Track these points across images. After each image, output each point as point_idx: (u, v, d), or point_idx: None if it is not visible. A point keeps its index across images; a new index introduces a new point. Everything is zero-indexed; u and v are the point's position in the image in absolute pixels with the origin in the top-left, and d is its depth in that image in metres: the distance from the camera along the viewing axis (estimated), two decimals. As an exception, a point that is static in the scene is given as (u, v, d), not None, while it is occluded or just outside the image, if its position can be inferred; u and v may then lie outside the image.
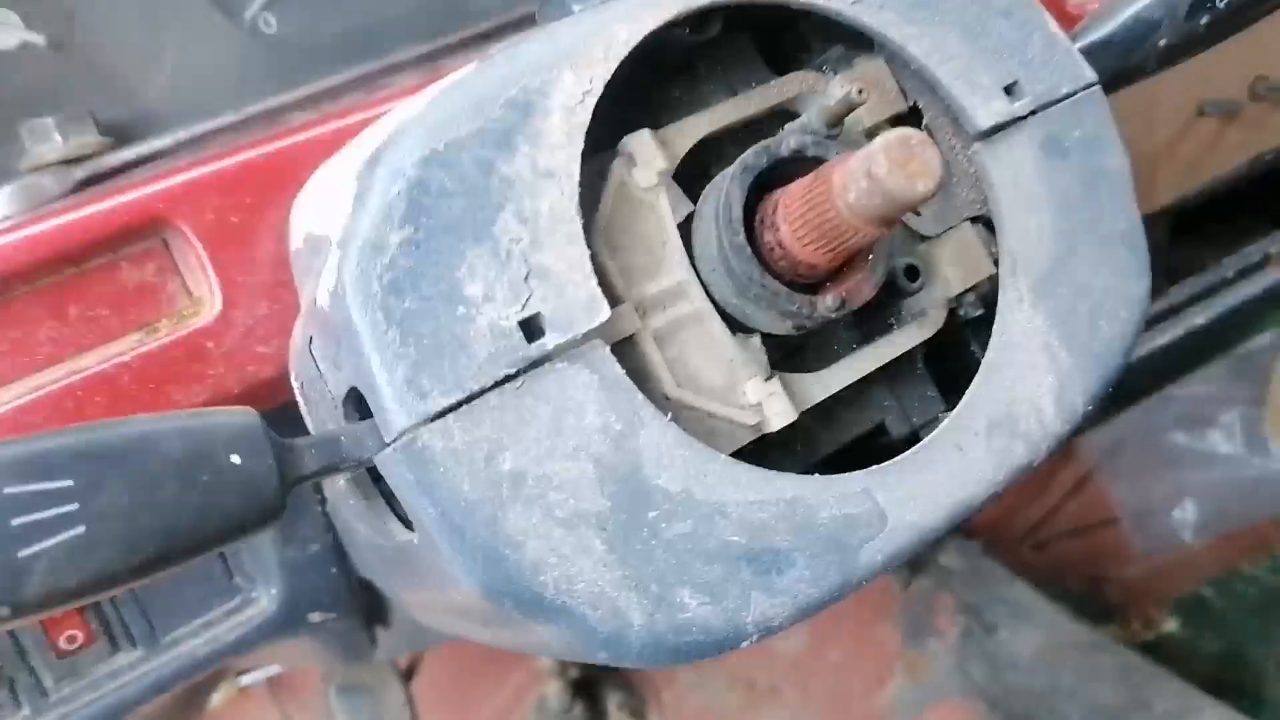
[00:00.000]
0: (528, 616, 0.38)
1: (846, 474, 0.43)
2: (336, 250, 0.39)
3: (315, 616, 0.68)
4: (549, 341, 0.39)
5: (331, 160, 0.48)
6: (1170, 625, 2.10)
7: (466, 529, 0.37)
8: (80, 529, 0.32)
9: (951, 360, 0.50)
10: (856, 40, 0.48)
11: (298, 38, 0.69)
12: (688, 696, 2.03)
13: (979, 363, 0.50)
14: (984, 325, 0.48)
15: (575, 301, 0.39)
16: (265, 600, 0.66)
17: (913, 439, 0.49)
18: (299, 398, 0.46)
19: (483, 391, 0.38)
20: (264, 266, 0.54)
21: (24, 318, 0.52)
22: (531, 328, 0.39)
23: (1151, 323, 1.00)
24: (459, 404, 0.37)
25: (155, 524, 0.33)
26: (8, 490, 0.31)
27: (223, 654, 0.66)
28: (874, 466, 0.43)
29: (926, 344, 0.49)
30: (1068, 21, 0.53)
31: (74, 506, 0.32)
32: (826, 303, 0.42)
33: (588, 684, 1.88)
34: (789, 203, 0.41)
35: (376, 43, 0.69)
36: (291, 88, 0.65)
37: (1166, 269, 1.01)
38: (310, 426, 0.46)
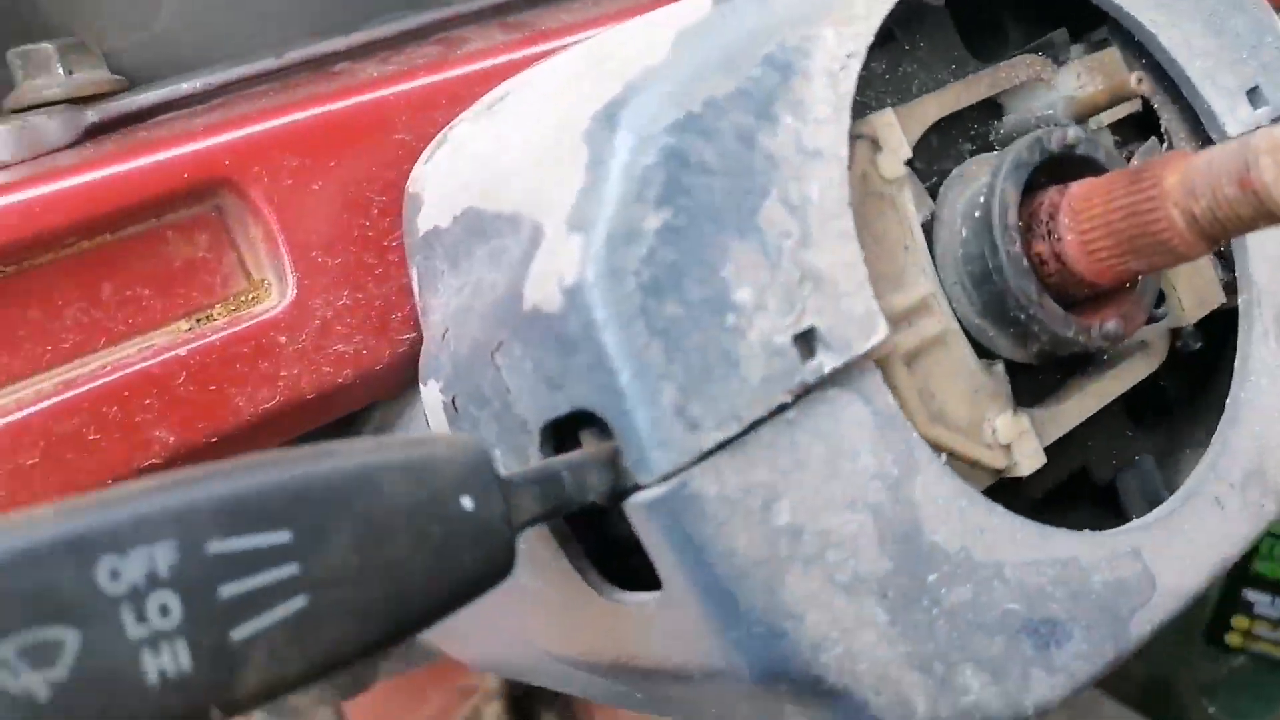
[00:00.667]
0: (801, 704, 0.30)
1: (1114, 530, 0.36)
2: (570, 235, 0.30)
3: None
4: (825, 363, 0.31)
5: (487, 110, 0.38)
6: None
7: (741, 596, 0.29)
8: (303, 599, 0.23)
9: (1149, 398, 0.45)
10: (1082, 24, 0.42)
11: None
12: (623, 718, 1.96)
13: (1173, 400, 0.45)
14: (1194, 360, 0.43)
15: (852, 315, 0.32)
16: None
17: (1112, 485, 0.43)
18: (439, 413, 0.37)
19: (758, 424, 0.30)
20: (343, 247, 0.44)
21: (45, 295, 0.41)
22: (807, 343, 0.31)
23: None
24: (734, 439, 0.29)
25: (389, 590, 0.24)
26: (214, 548, 0.22)
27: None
28: (1136, 522, 0.37)
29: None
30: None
31: (295, 569, 0.23)
32: (1108, 328, 0.36)
33: (521, 702, 1.80)
34: (1083, 206, 0.34)
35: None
36: (345, 31, 0.54)
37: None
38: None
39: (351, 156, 0.44)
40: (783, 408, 0.30)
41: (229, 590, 0.22)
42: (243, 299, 0.44)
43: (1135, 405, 0.45)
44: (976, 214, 0.36)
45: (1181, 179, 0.31)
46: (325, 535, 0.24)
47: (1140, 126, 0.44)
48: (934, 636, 0.32)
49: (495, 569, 0.27)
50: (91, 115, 0.47)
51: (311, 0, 0.57)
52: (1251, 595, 1.47)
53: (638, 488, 0.29)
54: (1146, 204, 0.32)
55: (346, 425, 0.51)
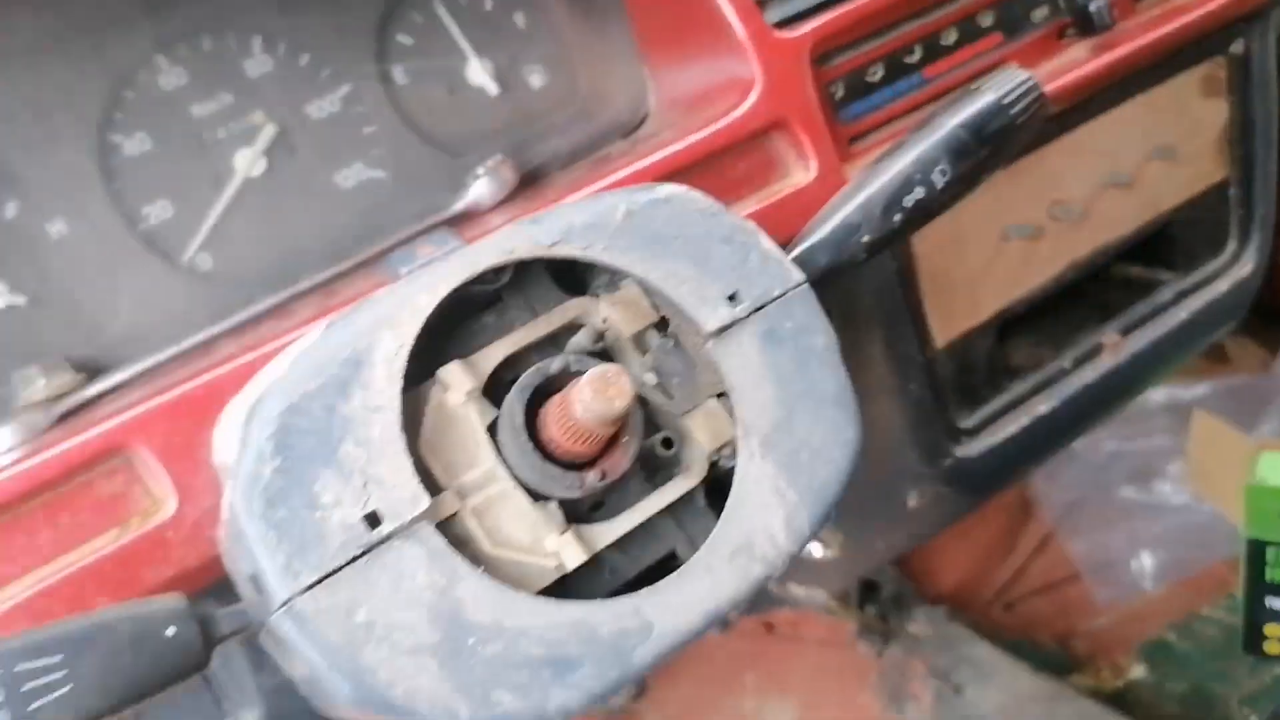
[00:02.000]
0: (388, 718, 0.54)
1: (620, 597, 0.58)
2: (230, 481, 0.55)
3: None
4: (386, 529, 0.55)
5: (235, 398, 0.65)
6: (1137, 671, 2.21)
7: (334, 662, 0.53)
8: (68, 687, 0.48)
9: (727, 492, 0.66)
10: (616, 271, 0.66)
11: (230, 273, 0.86)
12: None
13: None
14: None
15: (402, 498, 0.56)
16: (249, 720, 0.82)
17: (697, 560, 0.65)
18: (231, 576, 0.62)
19: (339, 569, 0.54)
20: (207, 470, 0.71)
21: (28, 528, 0.68)
22: (372, 519, 0.55)
23: (997, 416, 1.15)
24: (322, 579, 0.54)
25: (118, 680, 0.50)
26: (21, 667, 0.48)
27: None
28: (643, 590, 0.59)
29: (705, 486, 0.65)
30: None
31: (64, 673, 0.49)
32: (592, 477, 0.59)
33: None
34: (552, 411, 0.57)
35: (294, 269, 0.87)
36: (226, 317, 0.82)
37: (1005, 369, 1.17)
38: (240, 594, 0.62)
39: (204, 415, 0.70)
40: (355, 558, 0.54)
41: (28, 685, 0.48)
42: (148, 512, 0.71)
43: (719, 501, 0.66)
44: (506, 420, 0.60)
45: (573, 396, 0.55)
46: (81, 655, 0.49)
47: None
48: (474, 674, 0.55)
49: (194, 666, 0.52)
50: (60, 408, 0.76)
51: (208, 297, 0.85)
52: (1274, 603, 1.51)
53: (274, 611, 0.54)
54: (566, 410, 0.56)
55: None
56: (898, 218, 0.69)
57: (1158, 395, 2.36)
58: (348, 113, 0.90)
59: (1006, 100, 0.70)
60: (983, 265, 1.09)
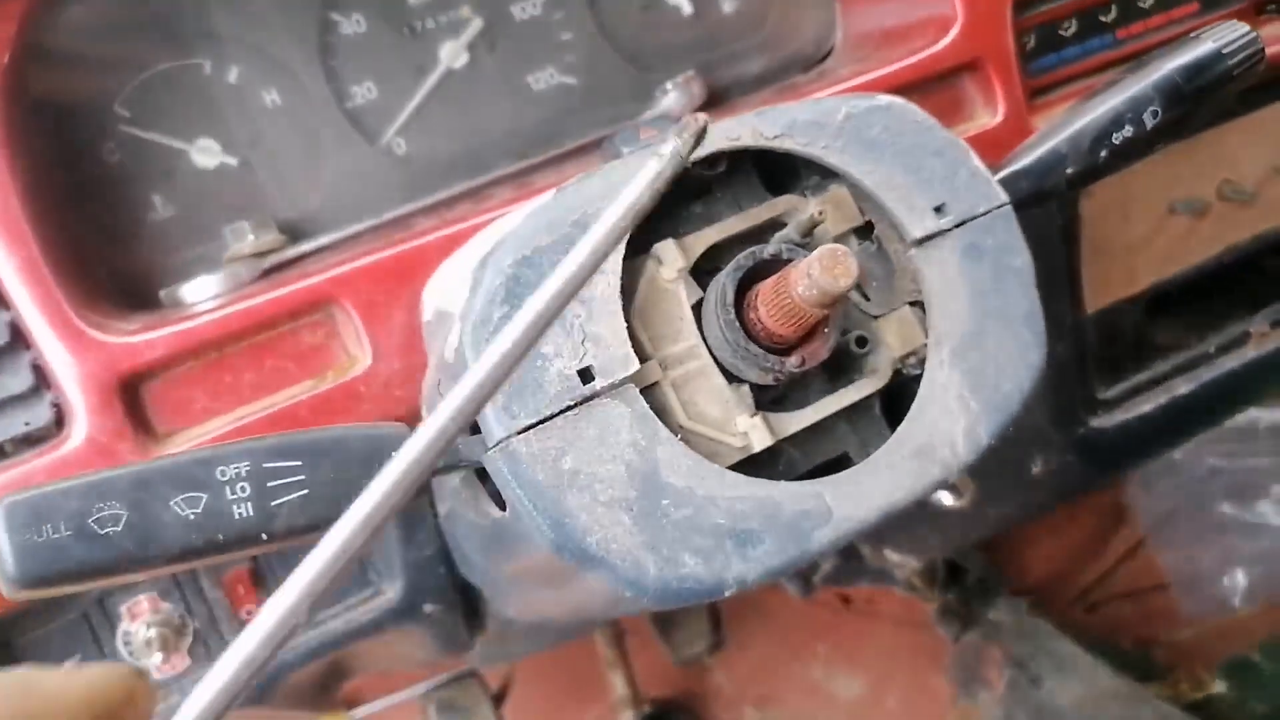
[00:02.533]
0: (580, 566, 0.57)
1: (805, 481, 0.61)
2: (459, 322, 0.58)
3: (428, 608, 0.88)
4: (598, 384, 0.58)
5: (452, 256, 0.68)
6: (1218, 687, 2.18)
7: (540, 505, 0.56)
8: (304, 492, 0.52)
9: (903, 405, 0.68)
10: (827, 171, 0.67)
11: (422, 157, 0.90)
12: (751, 732, 2.16)
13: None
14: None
15: (615, 358, 0.58)
16: (391, 592, 0.86)
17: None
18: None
19: (552, 416, 0.57)
20: (400, 333, 0.74)
21: (233, 367, 0.73)
22: (585, 375, 0.58)
23: (1136, 392, 1.15)
24: (537, 423, 0.57)
25: (347, 494, 0.53)
26: (268, 464, 0.51)
27: (357, 634, 0.85)
28: (824, 478, 0.61)
29: (882, 394, 0.67)
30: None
31: (302, 477, 0.52)
32: (792, 362, 0.61)
33: (661, 718, 2.03)
34: (764, 292, 0.59)
35: (482, 160, 0.90)
36: (418, 198, 0.86)
37: (1151, 345, 1.16)
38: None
39: (403, 280, 0.74)
40: (569, 408, 0.57)
41: (272, 482, 0.51)
42: (344, 367, 0.75)
43: (894, 411, 0.68)
44: (718, 298, 0.62)
45: (794, 274, 0.57)
46: (318, 463, 0.53)
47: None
48: (664, 534, 0.57)
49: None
50: (266, 263, 0.80)
51: (403, 177, 0.89)
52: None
53: (489, 450, 0.57)
54: (784, 289, 0.57)
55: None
56: (1104, 154, 0.70)
57: (1267, 417, 2.31)
58: (548, 17, 0.93)
59: (1226, 50, 0.70)
60: (1144, 236, 1.08)
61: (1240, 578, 2.29)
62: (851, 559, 2.12)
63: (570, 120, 0.93)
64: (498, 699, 1.90)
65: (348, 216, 0.85)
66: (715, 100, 0.93)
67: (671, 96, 0.90)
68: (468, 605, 0.92)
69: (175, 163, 0.84)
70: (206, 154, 0.85)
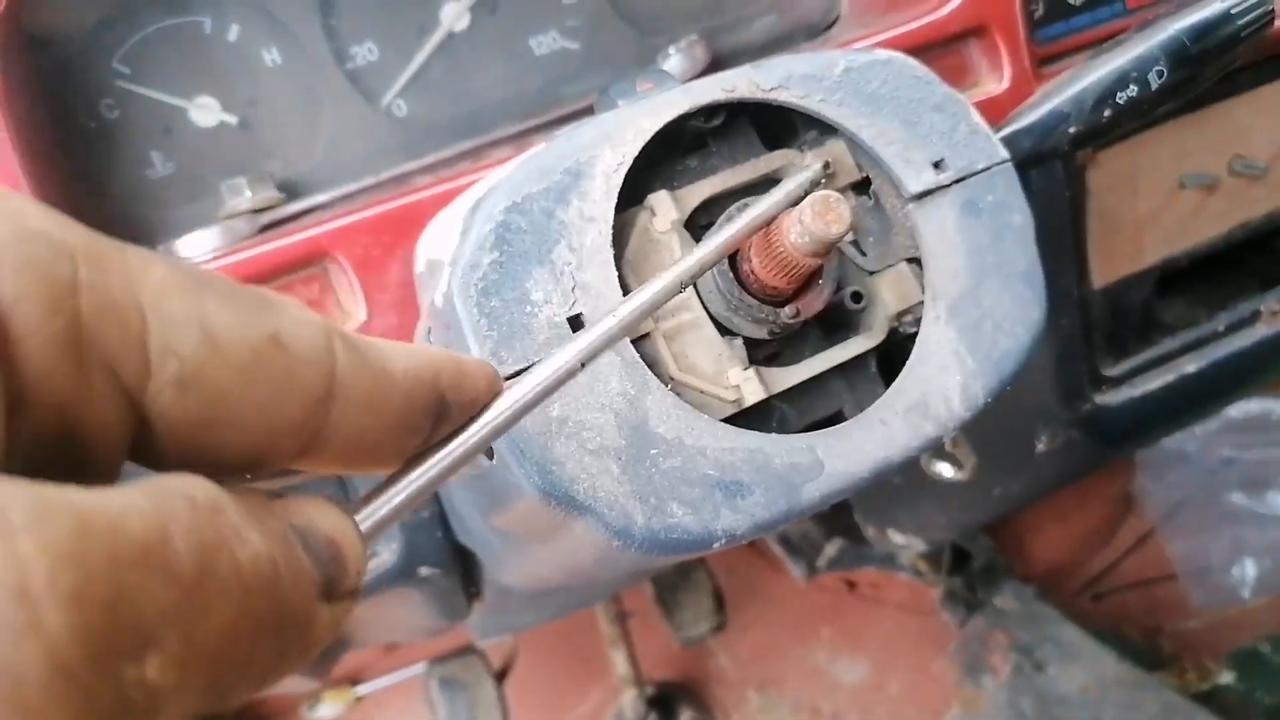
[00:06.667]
0: (567, 514, 0.56)
1: (797, 434, 0.60)
2: (449, 268, 0.58)
3: (424, 570, 0.87)
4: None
5: (445, 209, 0.67)
6: (1225, 677, 2.17)
7: (527, 452, 0.56)
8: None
9: (898, 365, 0.67)
10: (825, 126, 0.67)
11: (422, 119, 0.90)
12: (756, 718, 2.16)
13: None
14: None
15: (605, 305, 0.58)
16: (388, 554, 0.85)
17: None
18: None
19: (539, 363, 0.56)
20: (394, 289, 0.74)
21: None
22: (575, 322, 0.57)
23: (1144, 369, 1.13)
24: (523, 370, 0.56)
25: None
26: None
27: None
28: (816, 431, 0.60)
29: (878, 351, 0.66)
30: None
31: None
32: (786, 313, 0.60)
33: (663, 699, 2.03)
34: (757, 242, 0.59)
35: (481, 122, 0.90)
36: (416, 158, 0.85)
37: (1157, 323, 1.15)
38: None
39: (397, 236, 0.74)
40: (558, 355, 0.57)
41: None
42: (338, 321, 0.75)
43: (890, 372, 0.67)
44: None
45: (787, 222, 0.56)
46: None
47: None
48: (652, 484, 0.57)
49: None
50: (263, 219, 0.80)
51: (403, 139, 0.88)
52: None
53: (476, 396, 0.56)
54: (777, 238, 0.57)
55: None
56: (1107, 113, 0.69)
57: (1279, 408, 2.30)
58: (550, -21, 0.92)
59: (1235, 11, 0.69)
60: (1153, 210, 1.07)
61: (1250, 569, 2.28)
62: (857, 543, 2.12)
63: (572, 84, 0.92)
64: (500, 676, 1.91)
65: (347, 177, 0.85)
66: (718, 67, 0.92)
67: (674, 60, 0.89)
68: (464, 571, 0.92)
69: (174, 120, 0.84)
70: (205, 112, 0.85)
